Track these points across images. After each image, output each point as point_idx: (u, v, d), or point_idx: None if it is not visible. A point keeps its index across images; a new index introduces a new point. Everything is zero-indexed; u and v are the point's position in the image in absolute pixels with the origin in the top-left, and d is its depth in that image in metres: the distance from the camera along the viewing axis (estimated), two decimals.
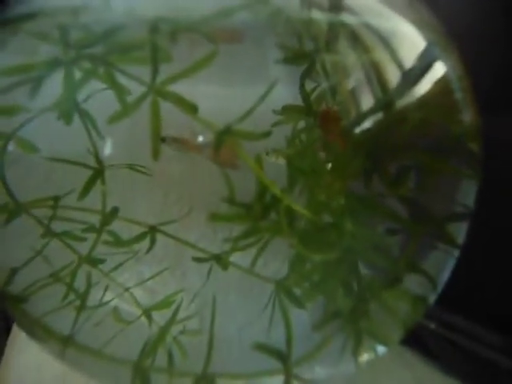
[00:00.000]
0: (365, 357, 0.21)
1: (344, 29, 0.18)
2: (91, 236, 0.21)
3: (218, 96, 0.19)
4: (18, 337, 0.30)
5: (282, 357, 0.20)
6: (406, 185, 0.20)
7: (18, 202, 0.20)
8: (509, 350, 0.28)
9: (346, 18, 0.19)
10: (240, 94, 0.19)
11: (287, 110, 0.19)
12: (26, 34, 0.20)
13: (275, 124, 0.19)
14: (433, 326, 0.30)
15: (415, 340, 0.29)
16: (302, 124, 0.20)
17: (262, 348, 0.19)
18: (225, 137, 0.17)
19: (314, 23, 0.18)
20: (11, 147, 0.20)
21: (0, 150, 0.20)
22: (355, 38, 0.18)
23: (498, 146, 0.29)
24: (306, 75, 0.19)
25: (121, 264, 0.21)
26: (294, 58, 0.19)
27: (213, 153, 0.18)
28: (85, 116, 0.20)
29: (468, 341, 0.29)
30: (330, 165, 0.20)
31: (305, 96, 0.19)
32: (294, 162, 0.19)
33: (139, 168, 0.20)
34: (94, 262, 0.21)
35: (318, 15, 0.19)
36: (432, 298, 0.22)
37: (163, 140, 0.18)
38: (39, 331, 0.21)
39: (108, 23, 0.18)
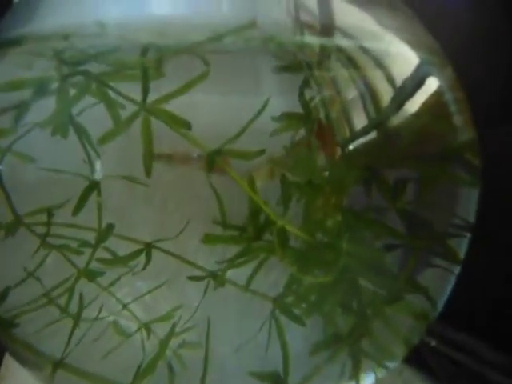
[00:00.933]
0: (365, 380, 0.21)
1: (338, 51, 0.18)
2: (86, 253, 0.21)
3: (212, 105, 0.19)
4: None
5: (279, 382, 0.19)
6: (404, 198, 0.20)
7: (18, 215, 0.20)
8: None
9: (340, 41, 0.19)
10: (234, 105, 0.19)
11: (286, 117, 0.19)
12: (21, 55, 0.20)
13: (273, 133, 0.19)
14: (433, 343, 0.29)
15: (415, 358, 0.28)
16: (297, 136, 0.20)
17: (257, 375, 0.19)
18: (216, 157, 0.17)
19: (308, 46, 0.18)
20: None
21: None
22: (349, 59, 0.18)
23: (500, 158, 0.29)
24: (305, 84, 0.19)
25: (117, 279, 0.21)
26: (290, 67, 0.19)
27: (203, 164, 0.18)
28: (80, 130, 0.19)
29: (470, 359, 0.28)
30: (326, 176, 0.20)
31: (304, 103, 0.19)
32: (290, 174, 0.19)
33: (135, 181, 0.19)
34: (93, 274, 0.21)
35: (311, 39, 0.19)
36: (433, 316, 0.21)
37: None
38: (28, 355, 0.20)
39: (102, 46, 0.18)
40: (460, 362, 0.29)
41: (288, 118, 0.19)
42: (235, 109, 0.19)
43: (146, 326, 0.21)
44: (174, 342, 0.21)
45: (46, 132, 0.19)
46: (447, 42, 0.32)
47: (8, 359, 0.30)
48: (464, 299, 0.29)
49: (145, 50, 0.17)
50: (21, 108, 0.18)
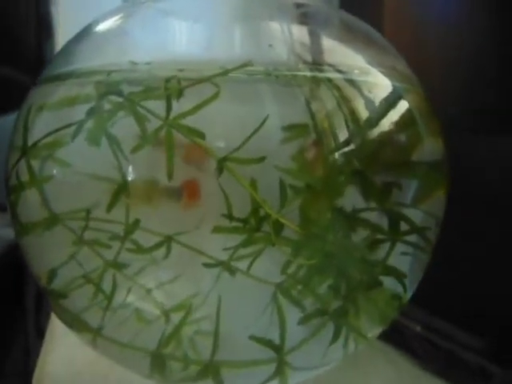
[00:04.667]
0: (349, 348, 0.24)
1: (327, 81, 0.23)
2: (115, 244, 0.24)
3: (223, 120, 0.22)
4: (54, 335, 0.34)
5: (276, 347, 0.23)
6: (389, 199, 0.23)
7: (55, 214, 0.24)
8: (491, 353, 0.30)
9: (329, 74, 0.23)
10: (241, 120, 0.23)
11: (293, 127, 0.22)
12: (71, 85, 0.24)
13: (283, 142, 0.22)
14: (418, 328, 0.32)
15: (400, 341, 0.31)
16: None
17: (257, 339, 0.22)
18: (224, 163, 0.21)
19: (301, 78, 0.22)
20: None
21: (40, 169, 0.24)
22: (335, 86, 0.22)
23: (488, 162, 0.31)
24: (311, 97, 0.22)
25: (142, 269, 0.24)
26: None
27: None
28: (112, 141, 0.23)
29: (449, 343, 0.31)
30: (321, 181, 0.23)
31: (311, 115, 0.22)
32: (292, 177, 0.22)
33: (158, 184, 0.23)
34: (119, 266, 0.24)
35: (304, 72, 0.23)
36: (405, 298, 0.25)
37: None
38: (74, 323, 0.25)
39: (134, 79, 0.22)
40: (440, 345, 0.31)
41: (294, 128, 0.22)
42: (241, 123, 0.22)
43: (168, 313, 0.24)
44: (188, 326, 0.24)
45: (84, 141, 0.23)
46: (442, 47, 0.35)
47: (53, 326, 0.34)
48: (446, 291, 0.32)
49: (168, 80, 0.22)
50: (78, 126, 0.22)
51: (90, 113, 0.22)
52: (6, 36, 0.44)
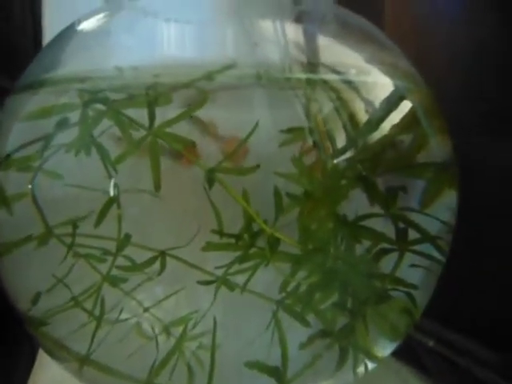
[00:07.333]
0: (358, 371, 0.23)
1: (323, 83, 0.21)
2: (108, 262, 0.23)
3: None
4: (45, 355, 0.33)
5: (277, 373, 0.21)
6: (395, 204, 0.22)
7: (49, 227, 0.22)
8: (508, 371, 0.28)
9: (324, 75, 0.22)
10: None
11: (293, 130, 0.21)
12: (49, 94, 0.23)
13: (282, 144, 0.21)
14: (431, 343, 0.30)
15: (412, 357, 0.29)
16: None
17: (256, 366, 0.21)
18: (213, 174, 0.19)
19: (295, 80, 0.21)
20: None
21: (32, 180, 0.23)
22: (331, 88, 0.21)
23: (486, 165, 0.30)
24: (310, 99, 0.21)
25: (138, 285, 0.22)
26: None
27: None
28: (100, 150, 0.22)
29: (465, 360, 0.29)
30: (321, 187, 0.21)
31: (307, 120, 0.21)
32: (290, 182, 0.21)
33: (149, 194, 0.21)
34: (116, 281, 0.23)
35: (298, 74, 0.22)
36: (417, 314, 0.23)
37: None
38: (58, 351, 0.23)
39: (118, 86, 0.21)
40: (456, 362, 0.30)
41: (290, 133, 0.21)
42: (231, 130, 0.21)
43: (165, 328, 0.23)
44: (191, 344, 0.23)
45: (70, 154, 0.22)
46: (442, 49, 0.33)
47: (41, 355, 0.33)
48: (461, 301, 0.30)
49: (149, 87, 0.21)
50: (46, 140, 0.21)
51: (64, 125, 0.21)
52: (2, 44, 0.43)
